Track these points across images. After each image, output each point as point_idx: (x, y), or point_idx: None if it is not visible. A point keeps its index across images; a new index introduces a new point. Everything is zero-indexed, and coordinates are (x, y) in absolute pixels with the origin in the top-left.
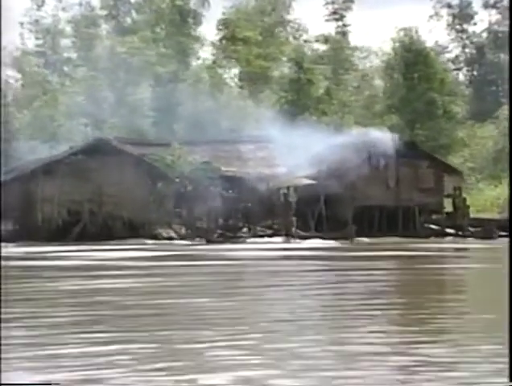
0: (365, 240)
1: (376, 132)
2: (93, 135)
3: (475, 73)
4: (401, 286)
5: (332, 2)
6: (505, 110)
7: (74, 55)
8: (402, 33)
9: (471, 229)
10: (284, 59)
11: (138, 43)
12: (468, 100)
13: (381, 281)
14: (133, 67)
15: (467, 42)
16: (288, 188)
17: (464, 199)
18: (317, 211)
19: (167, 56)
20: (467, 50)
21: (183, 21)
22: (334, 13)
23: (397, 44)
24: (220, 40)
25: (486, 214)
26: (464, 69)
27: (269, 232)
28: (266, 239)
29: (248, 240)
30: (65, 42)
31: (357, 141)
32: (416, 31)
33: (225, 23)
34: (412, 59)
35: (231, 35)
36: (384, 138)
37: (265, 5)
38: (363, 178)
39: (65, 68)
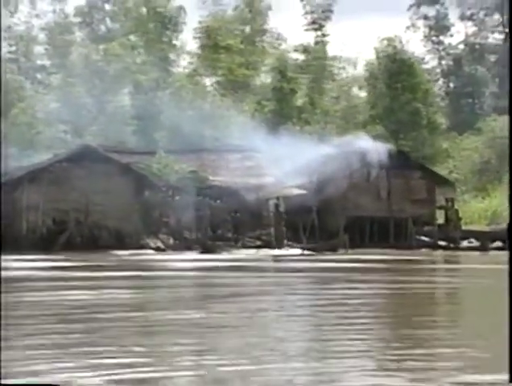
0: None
1: (364, 142)
2: (73, 143)
3: (451, 85)
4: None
5: (312, 12)
6: (489, 122)
7: (47, 63)
8: (385, 42)
9: (465, 242)
10: (266, 68)
11: (118, 49)
12: (444, 111)
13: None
14: (112, 75)
15: (443, 53)
16: (278, 198)
17: (457, 211)
18: (309, 222)
19: (148, 64)
20: (443, 62)
21: (164, 28)
22: (313, 22)
23: (380, 54)
24: (202, 48)
25: (474, 226)
26: (441, 81)
27: (258, 242)
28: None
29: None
30: (38, 49)
31: (344, 150)
32: (400, 41)
33: (206, 31)
34: (396, 69)
35: (213, 43)
36: (373, 148)
37: (242, 14)
38: (353, 189)
39: (38, 76)
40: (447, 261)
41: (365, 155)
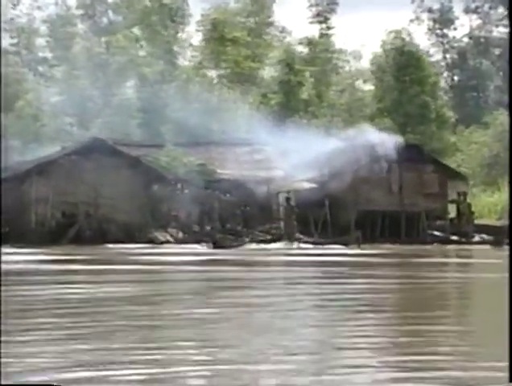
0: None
1: (373, 135)
2: (80, 136)
3: (455, 78)
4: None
5: (316, 5)
6: (497, 116)
7: (49, 55)
8: (392, 35)
9: (478, 236)
10: (272, 60)
11: (122, 42)
12: (449, 105)
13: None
14: (116, 68)
15: (447, 47)
16: (288, 192)
17: (469, 205)
18: (321, 217)
19: (153, 56)
20: (448, 55)
21: (169, 20)
22: (318, 15)
23: (388, 46)
24: (208, 41)
25: (484, 220)
26: (445, 74)
27: (269, 237)
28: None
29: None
30: (40, 41)
31: (354, 143)
32: (409, 33)
33: (212, 23)
34: (404, 62)
35: (219, 36)
36: (383, 141)
37: (246, 7)
38: (364, 182)
39: (40, 68)
40: (460, 256)
41: (375, 148)
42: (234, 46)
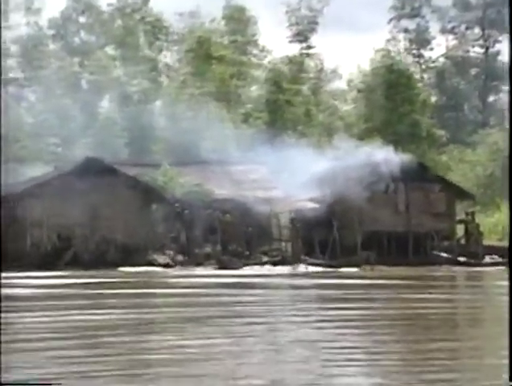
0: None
1: (375, 153)
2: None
3: (433, 98)
4: None
5: (297, 24)
6: (489, 135)
7: (21, 75)
8: (380, 54)
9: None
10: (256, 79)
11: (104, 60)
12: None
13: None
14: (101, 86)
15: (424, 67)
16: (291, 212)
17: (478, 225)
18: (330, 238)
19: (137, 75)
20: (425, 75)
21: (154, 38)
22: (298, 34)
23: (377, 64)
24: (193, 59)
25: (486, 241)
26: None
27: (274, 259)
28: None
29: None
30: (11, 61)
31: (354, 162)
32: (399, 52)
33: (198, 42)
34: (394, 80)
35: (204, 54)
36: (387, 159)
37: (221, 26)
38: (369, 202)
39: (11, 89)
40: None
41: (379, 167)
42: (220, 64)
